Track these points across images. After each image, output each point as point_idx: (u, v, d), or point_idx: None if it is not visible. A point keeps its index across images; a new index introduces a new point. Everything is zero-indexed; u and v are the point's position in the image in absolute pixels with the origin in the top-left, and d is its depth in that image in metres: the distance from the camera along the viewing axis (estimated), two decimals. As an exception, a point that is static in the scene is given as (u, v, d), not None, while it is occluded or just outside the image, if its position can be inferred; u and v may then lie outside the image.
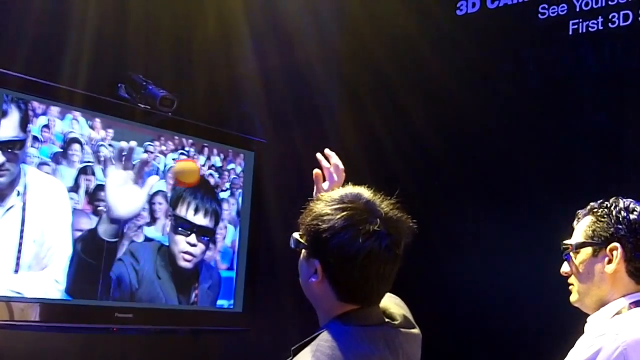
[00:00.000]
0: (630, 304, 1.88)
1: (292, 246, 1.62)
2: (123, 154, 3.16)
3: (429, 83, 4.00)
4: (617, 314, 1.88)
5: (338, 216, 1.52)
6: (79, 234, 3.05)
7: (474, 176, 3.84)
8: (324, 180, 2.01)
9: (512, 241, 3.58)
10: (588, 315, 1.97)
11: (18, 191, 2.89)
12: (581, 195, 2.19)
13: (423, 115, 3.96)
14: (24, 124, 2.91)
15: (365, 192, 1.59)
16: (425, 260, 3.31)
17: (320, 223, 1.54)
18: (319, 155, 2.05)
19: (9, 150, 2.86)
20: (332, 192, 1.63)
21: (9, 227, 2.84)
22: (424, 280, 3.62)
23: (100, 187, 3.13)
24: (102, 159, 3.13)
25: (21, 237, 2.88)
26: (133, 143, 3.17)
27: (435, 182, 3.90)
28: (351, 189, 1.61)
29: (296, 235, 1.61)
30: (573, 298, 2.00)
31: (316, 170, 2.02)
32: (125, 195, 3.17)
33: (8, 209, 2.86)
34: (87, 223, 3.09)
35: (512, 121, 3.74)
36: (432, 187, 3.89)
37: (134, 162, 3.21)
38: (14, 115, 2.88)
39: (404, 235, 1.56)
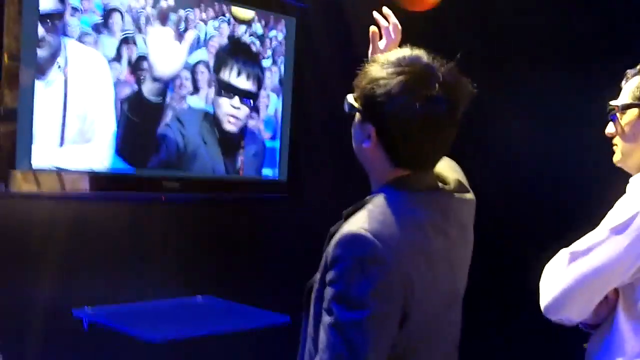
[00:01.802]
0: None
1: (346, 110, 1.59)
2: (162, 12, 3.10)
3: None
4: None
5: (394, 80, 1.48)
6: (123, 97, 3.05)
7: (528, 37, 3.75)
8: (381, 38, 1.95)
9: (562, 103, 3.54)
10: (630, 175, 1.94)
11: (59, 64, 2.86)
12: (629, 56, 2.11)
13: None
14: (62, -5, 2.87)
15: (424, 55, 1.53)
16: (478, 125, 3.30)
17: (375, 87, 1.49)
18: (376, 14, 1.96)
19: (48, 22, 2.82)
20: (388, 53, 1.57)
21: (52, 101, 2.85)
22: (477, 145, 3.61)
23: (143, 58, 3.10)
24: (142, 25, 3.08)
25: (64, 111, 2.89)
26: (171, 1, 3.11)
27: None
28: (409, 51, 1.55)
29: (350, 98, 1.57)
30: (616, 158, 1.96)
31: (373, 28, 1.93)
32: (166, 52, 3.14)
33: (50, 83, 2.85)
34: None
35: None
36: (491, 51, 3.80)
37: (172, 20, 3.16)
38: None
39: (462, 100, 1.52)
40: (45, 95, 2.82)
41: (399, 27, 1.93)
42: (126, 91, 3.06)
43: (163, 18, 3.12)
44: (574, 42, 3.62)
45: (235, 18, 3.41)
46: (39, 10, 2.76)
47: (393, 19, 1.94)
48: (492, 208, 3.00)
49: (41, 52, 2.80)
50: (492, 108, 3.67)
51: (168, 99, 3.19)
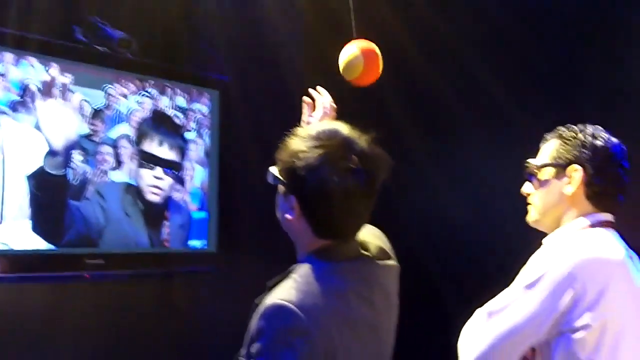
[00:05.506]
0: (589, 225, 1.88)
1: (270, 181, 1.61)
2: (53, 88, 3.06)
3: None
4: (572, 234, 1.88)
5: (314, 153, 1.50)
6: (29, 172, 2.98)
7: (452, 104, 3.85)
8: (314, 109, 1.99)
9: (485, 167, 3.65)
10: (546, 234, 1.97)
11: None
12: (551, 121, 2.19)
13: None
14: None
15: (343, 128, 1.56)
16: (405, 192, 3.35)
17: (295, 160, 1.52)
18: (311, 90, 2.02)
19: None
20: (309, 126, 1.61)
21: None
22: (404, 211, 3.66)
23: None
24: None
25: (3, 189, 2.86)
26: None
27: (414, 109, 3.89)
28: (328, 125, 1.59)
29: (273, 170, 1.60)
30: (531, 218, 2.00)
31: (305, 98, 1.98)
32: (59, 123, 3.07)
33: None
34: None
35: (486, 41, 3.75)
36: (412, 117, 3.88)
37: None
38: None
39: (381, 172, 1.55)
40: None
41: (334, 105, 1.99)
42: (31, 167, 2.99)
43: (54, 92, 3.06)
44: (497, 110, 3.73)
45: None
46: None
47: (328, 97, 2.00)
48: (420, 268, 3.04)
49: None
50: (421, 173, 3.77)
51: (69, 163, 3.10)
